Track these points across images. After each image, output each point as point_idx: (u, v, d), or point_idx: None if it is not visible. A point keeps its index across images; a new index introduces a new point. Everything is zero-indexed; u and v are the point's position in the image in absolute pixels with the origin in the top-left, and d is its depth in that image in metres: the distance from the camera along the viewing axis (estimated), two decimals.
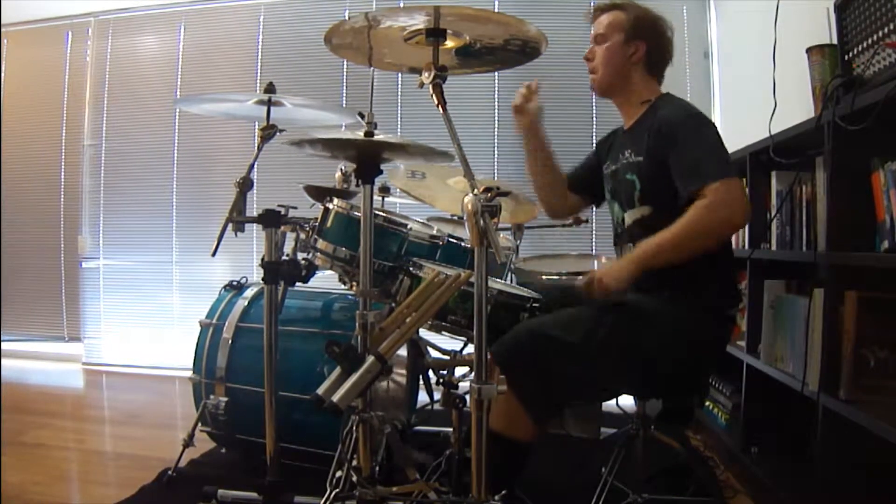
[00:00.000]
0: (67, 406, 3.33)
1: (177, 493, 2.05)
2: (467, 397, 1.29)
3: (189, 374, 2.26)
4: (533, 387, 1.51)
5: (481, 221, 1.18)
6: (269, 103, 1.93)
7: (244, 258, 3.82)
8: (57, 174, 4.26)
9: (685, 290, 1.61)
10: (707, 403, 2.69)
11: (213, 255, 1.73)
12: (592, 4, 1.90)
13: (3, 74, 4.30)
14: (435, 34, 1.34)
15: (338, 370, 1.31)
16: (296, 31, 3.92)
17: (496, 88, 3.74)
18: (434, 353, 1.85)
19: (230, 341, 2.21)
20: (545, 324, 1.60)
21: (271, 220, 1.79)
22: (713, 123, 1.68)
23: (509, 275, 2.38)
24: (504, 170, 3.73)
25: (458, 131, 1.30)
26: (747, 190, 2.30)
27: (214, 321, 2.28)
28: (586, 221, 2.75)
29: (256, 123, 1.98)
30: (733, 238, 2.45)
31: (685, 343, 1.60)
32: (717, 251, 1.58)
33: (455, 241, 2.07)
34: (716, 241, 1.52)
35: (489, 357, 1.43)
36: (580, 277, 1.67)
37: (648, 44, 1.78)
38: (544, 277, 2.28)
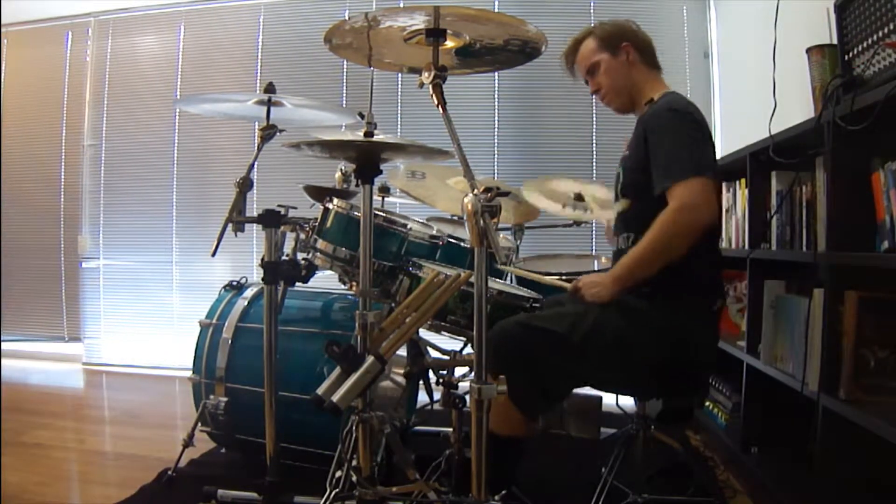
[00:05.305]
0: (67, 406, 3.32)
1: (177, 493, 2.05)
2: (467, 397, 1.29)
3: (189, 374, 2.26)
4: (520, 379, 1.50)
5: (481, 221, 1.18)
6: (269, 103, 1.93)
7: (244, 258, 3.83)
8: (57, 174, 4.26)
9: (665, 287, 1.60)
10: (707, 403, 2.69)
11: (213, 255, 1.74)
12: (565, 57, 1.92)
13: (3, 74, 4.30)
14: (435, 34, 1.34)
15: (337, 370, 1.31)
16: (296, 31, 3.92)
17: (496, 88, 3.74)
18: (434, 353, 1.85)
19: (230, 341, 2.20)
20: (531, 317, 1.61)
21: (271, 220, 1.79)
22: (696, 119, 1.64)
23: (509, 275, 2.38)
24: (504, 170, 3.73)
25: (458, 131, 1.30)
26: (747, 190, 2.30)
27: (214, 321, 2.28)
28: (586, 222, 2.75)
29: (256, 123, 1.98)
30: (734, 237, 2.46)
31: (670, 339, 1.59)
32: (698, 246, 1.57)
33: (455, 241, 2.07)
34: (687, 243, 1.52)
35: None
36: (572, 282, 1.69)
37: (631, 41, 1.80)
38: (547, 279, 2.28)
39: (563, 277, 2.09)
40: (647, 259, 1.55)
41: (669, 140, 1.58)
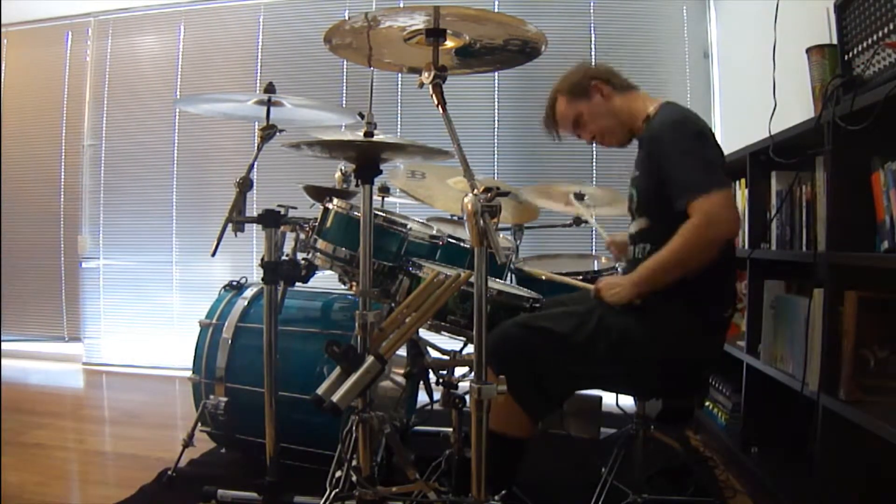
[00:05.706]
0: (67, 406, 3.32)
1: (177, 493, 2.05)
2: (467, 397, 1.29)
3: (189, 374, 2.26)
4: (525, 380, 1.51)
5: (481, 221, 1.18)
6: (269, 103, 1.93)
7: (244, 258, 3.83)
8: (57, 174, 4.26)
9: (677, 291, 1.60)
10: (707, 403, 2.69)
11: (213, 255, 1.74)
12: (545, 124, 1.93)
13: (3, 74, 4.30)
14: (435, 34, 1.33)
15: (338, 370, 1.31)
16: (296, 31, 3.92)
17: (496, 88, 3.73)
18: (434, 353, 1.85)
19: (230, 341, 2.21)
20: (534, 317, 1.61)
21: (271, 220, 1.79)
22: (699, 128, 1.64)
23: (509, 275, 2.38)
24: (504, 170, 3.73)
25: (458, 131, 1.30)
26: (747, 190, 2.30)
27: (214, 321, 2.28)
28: (586, 222, 2.75)
29: (256, 123, 1.98)
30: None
31: (674, 343, 1.59)
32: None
33: (455, 241, 2.07)
34: (709, 255, 1.53)
35: None
36: (593, 286, 1.70)
37: (597, 78, 1.81)
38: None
39: (582, 278, 2.10)
40: (667, 268, 1.56)
41: (678, 155, 1.58)
